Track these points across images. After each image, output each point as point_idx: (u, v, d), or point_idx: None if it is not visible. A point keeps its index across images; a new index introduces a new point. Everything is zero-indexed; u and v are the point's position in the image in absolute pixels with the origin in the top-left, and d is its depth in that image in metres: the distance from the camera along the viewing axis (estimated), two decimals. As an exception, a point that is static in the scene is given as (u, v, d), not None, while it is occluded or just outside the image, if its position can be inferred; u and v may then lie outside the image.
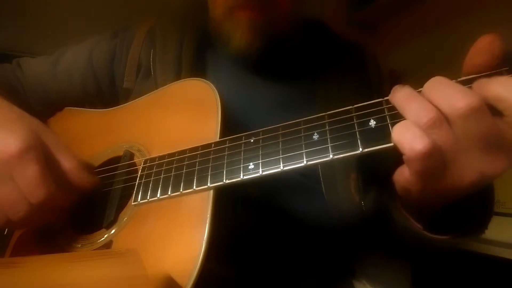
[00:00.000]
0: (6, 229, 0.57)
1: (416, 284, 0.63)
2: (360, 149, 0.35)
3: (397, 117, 0.34)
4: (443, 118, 0.31)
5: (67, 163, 0.47)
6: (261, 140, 0.42)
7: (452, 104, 0.30)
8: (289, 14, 0.60)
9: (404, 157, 0.33)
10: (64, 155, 0.47)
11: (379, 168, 0.49)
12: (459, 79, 0.33)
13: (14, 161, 0.42)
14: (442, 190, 0.34)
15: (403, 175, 0.36)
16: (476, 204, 0.40)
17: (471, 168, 0.32)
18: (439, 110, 0.31)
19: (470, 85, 0.32)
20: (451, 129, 0.31)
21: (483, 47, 0.32)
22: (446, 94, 0.31)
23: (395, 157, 0.35)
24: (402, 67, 1.64)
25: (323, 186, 0.55)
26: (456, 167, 0.32)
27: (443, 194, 0.35)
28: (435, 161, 0.31)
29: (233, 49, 0.59)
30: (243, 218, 0.48)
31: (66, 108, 0.69)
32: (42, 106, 0.70)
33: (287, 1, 0.58)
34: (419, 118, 0.31)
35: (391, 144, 0.33)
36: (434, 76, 0.34)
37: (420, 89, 0.34)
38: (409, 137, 0.31)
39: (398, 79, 1.65)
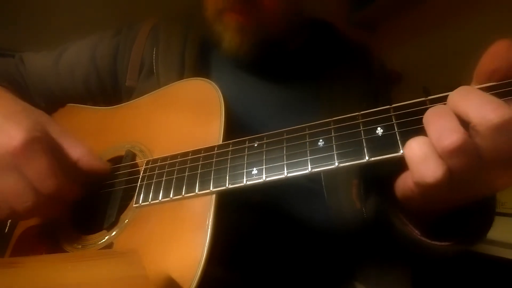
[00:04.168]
0: (7, 228, 0.57)
1: (416, 283, 0.63)
2: (367, 158, 0.34)
3: (405, 125, 0.33)
4: (467, 142, 0.28)
5: (75, 152, 0.47)
6: (265, 145, 0.41)
7: (483, 115, 0.27)
8: (280, 16, 0.59)
9: (412, 178, 0.32)
10: (71, 144, 0.47)
11: (379, 172, 0.49)
12: (479, 86, 0.31)
13: (20, 152, 0.42)
14: (450, 202, 0.34)
15: (406, 185, 0.35)
16: (477, 210, 0.40)
17: (489, 181, 0.31)
18: (468, 120, 0.28)
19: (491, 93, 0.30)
20: (474, 152, 0.28)
21: (499, 52, 0.30)
22: (476, 104, 0.28)
23: (398, 161, 0.34)
24: (402, 67, 1.64)
25: (325, 191, 0.55)
26: (471, 184, 0.31)
27: (450, 205, 0.35)
28: (445, 186, 0.30)
29: (225, 50, 0.59)
30: (245, 222, 0.47)
31: (68, 104, 0.69)
32: (45, 102, 0.70)
33: (276, 4, 0.57)
34: (440, 139, 0.29)
35: (399, 154, 0.33)
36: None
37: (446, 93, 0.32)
38: (421, 163, 0.30)
39: (398, 79, 1.65)
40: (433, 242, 0.41)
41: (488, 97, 0.29)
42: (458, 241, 0.41)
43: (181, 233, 0.42)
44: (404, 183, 0.36)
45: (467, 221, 0.40)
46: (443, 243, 0.41)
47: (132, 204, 0.48)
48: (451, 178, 0.29)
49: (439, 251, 0.42)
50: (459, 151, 0.28)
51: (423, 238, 0.42)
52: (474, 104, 0.28)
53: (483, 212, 0.40)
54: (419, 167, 0.30)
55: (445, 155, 0.29)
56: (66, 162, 0.46)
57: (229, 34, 0.58)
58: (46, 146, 0.44)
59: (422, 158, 0.30)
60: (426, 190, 0.31)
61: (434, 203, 0.35)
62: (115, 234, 0.47)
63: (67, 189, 0.45)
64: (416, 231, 0.43)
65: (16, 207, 0.43)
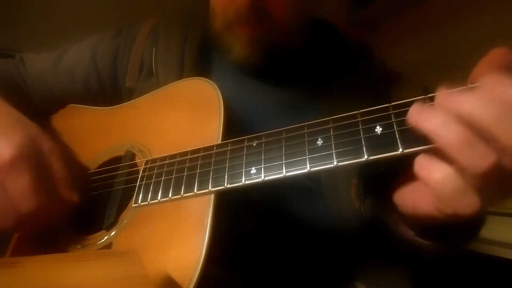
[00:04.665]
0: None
1: (416, 283, 0.63)
2: (365, 157, 0.34)
3: (405, 123, 0.33)
4: (499, 161, 0.26)
5: (57, 172, 0.46)
6: (263, 144, 0.41)
7: None
8: (288, 25, 0.59)
9: (443, 209, 0.31)
10: (56, 163, 0.46)
11: (378, 174, 0.49)
12: (472, 86, 0.31)
13: (6, 169, 0.41)
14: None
15: (422, 208, 0.34)
16: None
17: (506, 194, 0.30)
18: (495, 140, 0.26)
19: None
20: (501, 169, 0.27)
21: (496, 59, 0.30)
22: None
23: (396, 163, 0.34)
24: (402, 67, 1.64)
25: (324, 190, 0.55)
26: (492, 200, 0.30)
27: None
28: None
29: (233, 60, 0.59)
30: (244, 221, 0.47)
31: (69, 105, 0.69)
32: (45, 102, 0.69)
33: (285, 14, 0.57)
34: (476, 164, 0.27)
35: (397, 153, 0.33)
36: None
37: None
38: (458, 198, 0.29)
39: (398, 79, 1.65)
40: (427, 242, 0.41)
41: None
42: (451, 241, 0.41)
43: (180, 232, 0.42)
44: (417, 205, 0.35)
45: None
46: (437, 244, 0.41)
47: (131, 204, 0.48)
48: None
49: (434, 251, 0.42)
50: (495, 171, 0.27)
51: (419, 239, 0.42)
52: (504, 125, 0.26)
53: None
54: (455, 203, 0.29)
55: (481, 178, 0.27)
56: (50, 180, 0.45)
57: (239, 46, 0.58)
58: (33, 163, 0.43)
59: (458, 194, 0.29)
60: (459, 218, 0.30)
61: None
62: (114, 234, 0.47)
63: (48, 208, 0.44)
64: (411, 232, 0.43)
65: (0, 224, 0.43)
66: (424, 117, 0.30)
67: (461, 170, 0.28)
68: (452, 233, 0.40)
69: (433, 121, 0.29)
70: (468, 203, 0.28)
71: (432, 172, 0.30)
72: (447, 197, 0.29)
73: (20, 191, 0.42)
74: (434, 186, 0.30)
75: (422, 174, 0.31)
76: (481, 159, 0.27)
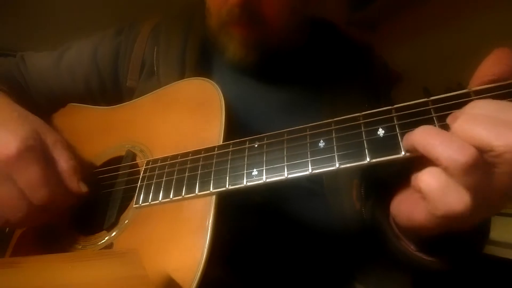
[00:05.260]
0: (7, 228, 0.57)
1: (416, 283, 0.62)
2: (368, 160, 0.34)
3: (407, 126, 0.33)
4: (480, 155, 0.27)
5: (63, 163, 0.47)
6: (265, 146, 0.41)
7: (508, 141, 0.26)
8: (282, 26, 0.59)
9: (435, 211, 0.30)
10: (61, 155, 0.47)
11: (380, 180, 0.49)
12: (482, 87, 0.31)
13: (13, 161, 0.42)
14: (464, 225, 0.33)
15: (415, 217, 0.34)
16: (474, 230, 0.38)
17: (502, 199, 0.30)
18: (487, 148, 0.27)
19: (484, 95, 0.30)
20: (487, 167, 0.27)
21: (501, 58, 0.30)
22: (499, 131, 0.27)
23: (397, 167, 0.34)
24: (402, 67, 1.64)
25: (326, 192, 0.55)
26: (486, 204, 0.30)
27: (462, 227, 0.34)
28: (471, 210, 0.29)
29: (228, 60, 0.59)
30: (246, 223, 0.47)
31: (69, 104, 0.69)
32: (46, 101, 0.69)
33: (278, 16, 0.57)
34: (455, 158, 0.27)
35: (400, 156, 0.32)
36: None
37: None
38: (446, 194, 0.28)
39: (398, 79, 1.65)
40: (429, 259, 0.41)
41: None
42: (449, 259, 0.40)
43: (181, 233, 0.42)
44: (411, 215, 0.35)
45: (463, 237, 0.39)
46: (438, 260, 0.41)
47: (132, 205, 0.48)
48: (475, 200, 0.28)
49: (435, 266, 0.42)
50: (477, 165, 0.27)
51: (420, 254, 0.42)
52: (498, 130, 0.27)
53: (479, 229, 0.39)
54: (445, 199, 0.29)
55: (464, 174, 0.27)
56: (55, 172, 0.46)
57: (233, 46, 0.58)
58: (39, 155, 0.43)
59: (445, 189, 0.29)
60: (452, 219, 0.30)
61: (450, 228, 0.33)
62: (115, 234, 0.47)
63: (59, 199, 0.45)
64: (412, 247, 0.43)
65: (10, 217, 0.43)
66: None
67: (445, 168, 0.28)
68: (453, 248, 0.40)
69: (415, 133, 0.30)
70: (457, 199, 0.28)
71: (421, 175, 0.31)
72: (436, 194, 0.29)
73: (31, 182, 0.42)
74: (421, 186, 0.30)
75: (413, 181, 0.32)
76: (458, 153, 0.27)
